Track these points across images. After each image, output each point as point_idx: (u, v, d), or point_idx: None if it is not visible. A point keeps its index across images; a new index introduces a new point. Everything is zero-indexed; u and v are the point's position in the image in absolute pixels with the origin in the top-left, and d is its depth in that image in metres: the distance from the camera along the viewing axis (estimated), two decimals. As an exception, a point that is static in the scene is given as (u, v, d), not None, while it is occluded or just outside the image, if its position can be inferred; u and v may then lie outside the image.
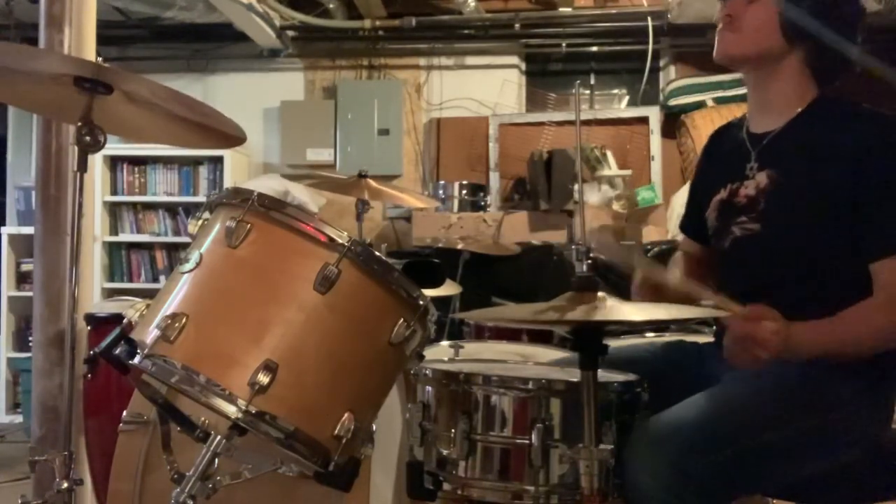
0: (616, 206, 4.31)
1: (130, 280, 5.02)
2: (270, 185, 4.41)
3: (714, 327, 1.67)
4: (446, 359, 1.99)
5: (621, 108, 5.13)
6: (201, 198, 4.91)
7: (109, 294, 4.86)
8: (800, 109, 1.52)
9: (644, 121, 4.86)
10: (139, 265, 5.05)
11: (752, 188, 1.53)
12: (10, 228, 5.00)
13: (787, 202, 1.47)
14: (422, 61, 5.15)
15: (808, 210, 1.44)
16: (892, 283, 1.36)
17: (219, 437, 1.29)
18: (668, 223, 4.20)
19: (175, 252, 5.00)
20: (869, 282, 1.39)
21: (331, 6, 4.89)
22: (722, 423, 1.28)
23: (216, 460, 1.30)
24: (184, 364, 1.20)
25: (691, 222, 1.76)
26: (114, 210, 5.05)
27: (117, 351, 1.27)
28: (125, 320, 1.33)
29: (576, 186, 4.08)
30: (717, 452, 1.24)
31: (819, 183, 1.43)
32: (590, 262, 1.36)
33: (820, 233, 1.43)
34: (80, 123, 1.58)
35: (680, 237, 1.89)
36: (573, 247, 3.91)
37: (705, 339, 1.76)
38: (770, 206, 1.49)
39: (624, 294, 1.59)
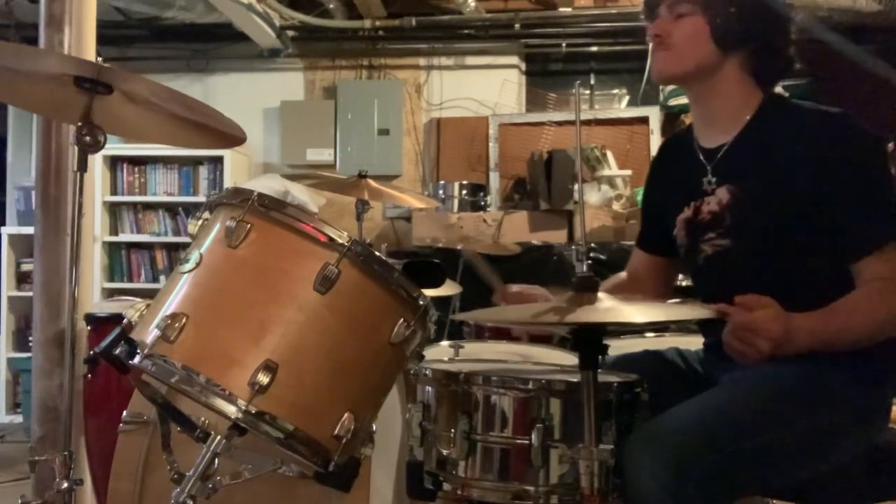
0: (616, 206, 4.31)
1: (130, 280, 5.02)
2: (270, 185, 4.41)
3: (704, 333, 1.66)
4: (446, 359, 1.99)
5: (621, 108, 5.12)
6: (201, 198, 4.90)
7: (109, 294, 4.86)
8: (748, 117, 1.50)
9: (644, 121, 4.85)
10: (139, 265, 5.05)
11: (714, 204, 1.51)
12: (10, 228, 5.00)
13: (751, 215, 1.46)
14: (422, 61, 5.15)
15: (773, 219, 1.43)
16: (878, 275, 1.35)
17: (219, 437, 1.29)
18: (668, 223, 4.20)
19: (175, 252, 5.00)
20: (847, 280, 1.38)
21: (331, 6, 4.89)
22: (721, 423, 1.28)
23: (216, 460, 1.30)
24: (184, 364, 1.20)
25: (648, 237, 1.76)
26: (114, 210, 5.05)
27: (117, 351, 1.27)
28: (125, 320, 1.33)
29: (576, 186, 4.08)
30: (716, 453, 1.24)
31: (780, 191, 1.42)
32: (590, 262, 1.36)
33: (789, 239, 1.42)
34: (80, 123, 1.58)
35: None
36: (573, 247, 3.91)
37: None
38: (736, 220, 1.48)
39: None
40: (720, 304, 1.31)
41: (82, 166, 1.64)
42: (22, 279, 4.96)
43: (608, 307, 1.21)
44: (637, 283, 1.76)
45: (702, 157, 1.55)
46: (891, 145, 2.64)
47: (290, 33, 5.01)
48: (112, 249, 5.03)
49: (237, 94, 5.14)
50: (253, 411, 1.18)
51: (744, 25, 1.46)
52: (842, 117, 1.43)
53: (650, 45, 1.54)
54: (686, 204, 1.57)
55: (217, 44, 5.12)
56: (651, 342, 2.16)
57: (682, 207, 1.58)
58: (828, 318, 1.35)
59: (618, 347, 1.66)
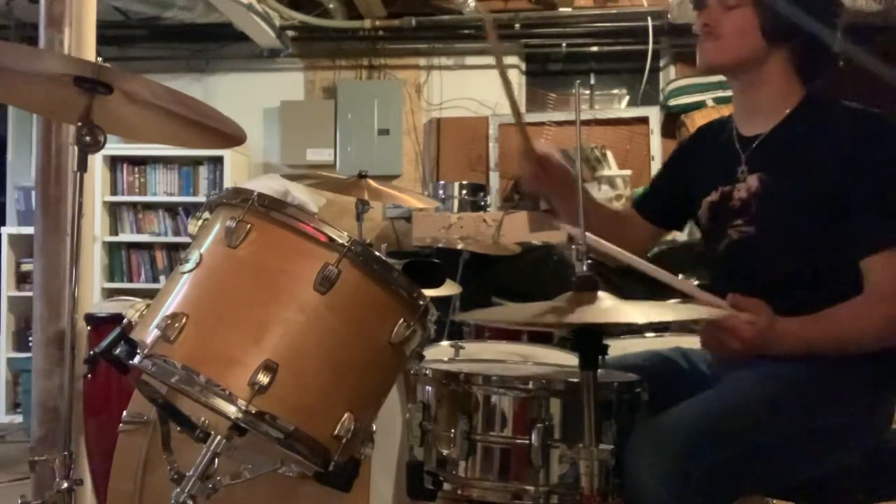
0: (616, 206, 4.31)
1: (130, 280, 5.02)
2: (270, 185, 4.41)
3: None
4: (446, 359, 1.99)
5: (621, 108, 5.13)
6: (201, 198, 4.91)
7: (109, 294, 4.86)
8: (787, 111, 1.52)
9: (644, 121, 4.86)
10: (139, 265, 5.05)
11: (744, 191, 1.53)
12: (10, 228, 5.00)
13: (777, 205, 1.48)
14: (422, 61, 5.15)
15: (798, 211, 1.44)
16: (884, 279, 1.36)
17: (219, 437, 1.29)
18: (668, 223, 4.20)
19: (175, 252, 5.00)
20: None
21: (331, 6, 4.89)
22: (722, 423, 1.28)
23: (216, 460, 1.30)
24: (184, 364, 1.20)
25: (649, 202, 1.78)
26: (114, 210, 5.05)
27: (117, 351, 1.26)
28: (125, 320, 1.33)
29: (576, 186, 4.07)
30: (717, 452, 1.24)
31: (808, 184, 1.43)
32: (590, 262, 1.36)
33: (812, 233, 1.43)
34: (80, 123, 1.58)
35: (681, 237, 1.89)
36: (573, 247, 3.90)
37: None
38: (761, 209, 1.49)
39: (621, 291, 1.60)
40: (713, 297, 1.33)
41: (82, 166, 1.64)
42: (22, 279, 4.96)
43: (608, 307, 1.21)
44: (620, 226, 1.77)
45: (738, 145, 1.57)
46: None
47: (290, 33, 5.01)
48: (112, 249, 5.03)
49: (237, 94, 5.13)
50: (253, 411, 1.18)
51: (792, 19, 1.47)
52: (877, 117, 1.44)
53: (699, 35, 1.56)
54: (715, 188, 1.59)
55: (217, 44, 5.12)
56: (651, 342, 2.16)
57: (710, 191, 1.60)
58: (819, 324, 1.36)
59: (618, 347, 1.66)
